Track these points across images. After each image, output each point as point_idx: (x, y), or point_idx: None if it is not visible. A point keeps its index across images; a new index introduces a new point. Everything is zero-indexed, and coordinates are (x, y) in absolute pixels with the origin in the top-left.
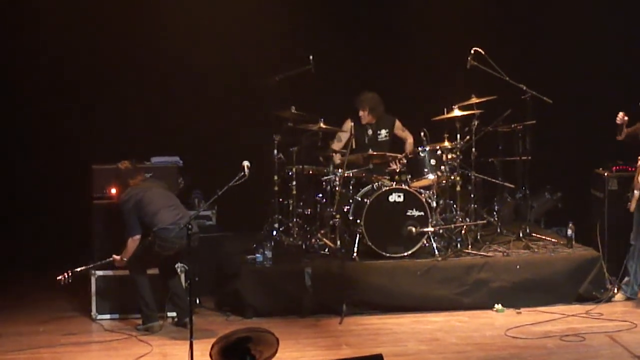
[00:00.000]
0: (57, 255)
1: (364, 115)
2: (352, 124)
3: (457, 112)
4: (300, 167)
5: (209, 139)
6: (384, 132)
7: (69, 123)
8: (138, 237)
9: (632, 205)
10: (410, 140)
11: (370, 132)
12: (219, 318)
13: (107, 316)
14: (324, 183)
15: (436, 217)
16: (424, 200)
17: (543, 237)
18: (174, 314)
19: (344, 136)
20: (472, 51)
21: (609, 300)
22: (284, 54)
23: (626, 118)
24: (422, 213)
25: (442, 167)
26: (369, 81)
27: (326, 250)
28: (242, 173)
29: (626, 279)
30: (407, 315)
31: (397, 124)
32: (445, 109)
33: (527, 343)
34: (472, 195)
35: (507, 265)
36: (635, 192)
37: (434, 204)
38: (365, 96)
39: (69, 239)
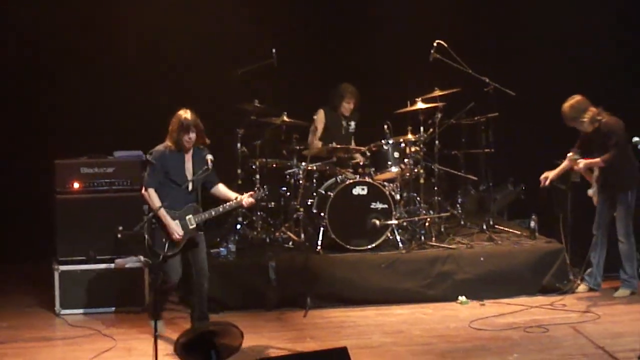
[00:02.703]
0: (19, 250)
1: (348, 107)
2: (324, 114)
3: (420, 105)
4: (264, 160)
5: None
6: (353, 124)
7: (32, 118)
8: None
9: (595, 199)
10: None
11: (344, 123)
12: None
13: (71, 311)
14: (287, 176)
15: (400, 209)
16: (387, 193)
17: (506, 229)
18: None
19: (321, 127)
20: (435, 44)
21: (572, 291)
22: (247, 47)
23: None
24: (386, 206)
25: (406, 160)
26: (332, 74)
27: (290, 243)
28: (206, 167)
29: (589, 270)
30: (371, 308)
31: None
32: (408, 102)
33: (491, 335)
34: (436, 188)
35: (470, 258)
36: (593, 186)
37: (398, 197)
38: (353, 87)
39: (32, 234)
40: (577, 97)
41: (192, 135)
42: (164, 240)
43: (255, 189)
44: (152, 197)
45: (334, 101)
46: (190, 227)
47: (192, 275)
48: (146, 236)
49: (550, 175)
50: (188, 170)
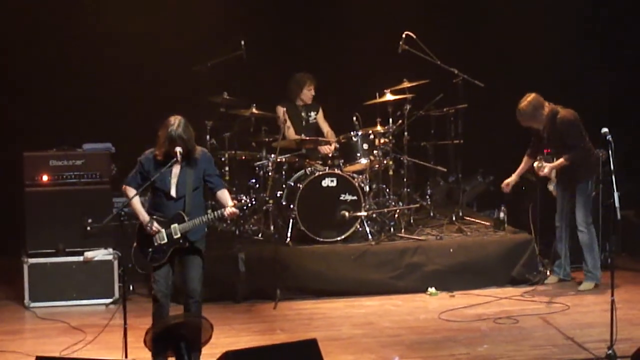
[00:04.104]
0: None
1: (310, 94)
2: (284, 109)
3: (389, 97)
4: (233, 152)
5: (141, 124)
6: (313, 114)
7: (0, 110)
8: None
9: (555, 193)
10: (327, 132)
11: (303, 114)
12: None
13: (41, 304)
14: (257, 168)
15: (369, 201)
16: (357, 184)
17: (476, 220)
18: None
19: (289, 122)
20: (404, 35)
21: (542, 282)
22: (216, 39)
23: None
24: (355, 197)
25: (375, 152)
26: (301, 66)
27: (260, 235)
28: (175, 159)
29: (557, 261)
30: (341, 300)
31: (322, 112)
32: (377, 93)
33: (461, 326)
34: (405, 179)
35: (440, 249)
36: (553, 181)
37: (367, 188)
38: (311, 74)
39: (0, 227)
40: (532, 95)
41: (182, 150)
42: (149, 249)
43: (241, 198)
44: (127, 192)
45: (293, 92)
46: (175, 236)
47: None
48: (135, 244)
49: (510, 181)
50: (174, 178)
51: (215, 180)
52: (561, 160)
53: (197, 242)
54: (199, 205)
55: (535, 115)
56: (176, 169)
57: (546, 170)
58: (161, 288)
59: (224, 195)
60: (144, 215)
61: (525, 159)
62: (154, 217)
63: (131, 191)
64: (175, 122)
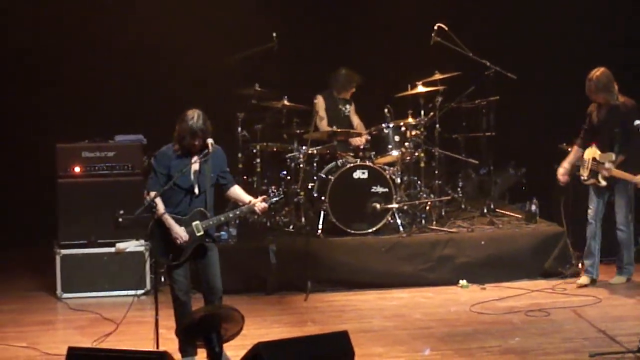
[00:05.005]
0: (21, 234)
1: (352, 90)
2: (323, 100)
3: (421, 89)
4: (265, 144)
5: (173, 116)
6: (348, 107)
7: (34, 102)
8: None
9: (603, 182)
10: (356, 125)
11: (340, 106)
12: None
13: (73, 295)
14: (288, 160)
15: (400, 193)
16: (388, 176)
17: (507, 212)
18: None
19: (323, 112)
20: (436, 27)
21: (575, 275)
22: (248, 31)
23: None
24: (387, 189)
25: (406, 144)
26: (333, 58)
27: (291, 227)
28: (206, 150)
29: (591, 261)
30: (372, 292)
31: (354, 105)
32: (409, 86)
33: (492, 318)
34: (436, 172)
35: (471, 241)
36: (607, 165)
37: (398, 181)
38: (353, 71)
39: (34, 218)
40: (603, 68)
41: (201, 142)
42: (167, 247)
43: (270, 192)
44: (156, 203)
45: (340, 86)
46: (198, 234)
47: (203, 291)
48: (149, 243)
49: (564, 170)
50: (195, 174)
51: (228, 177)
52: (621, 157)
53: (214, 235)
54: (213, 201)
55: (608, 86)
56: (195, 165)
57: (606, 173)
58: (182, 287)
59: (238, 190)
60: (172, 224)
61: (575, 148)
62: (174, 214)
63: (156, 198)
64: (194, 115)
